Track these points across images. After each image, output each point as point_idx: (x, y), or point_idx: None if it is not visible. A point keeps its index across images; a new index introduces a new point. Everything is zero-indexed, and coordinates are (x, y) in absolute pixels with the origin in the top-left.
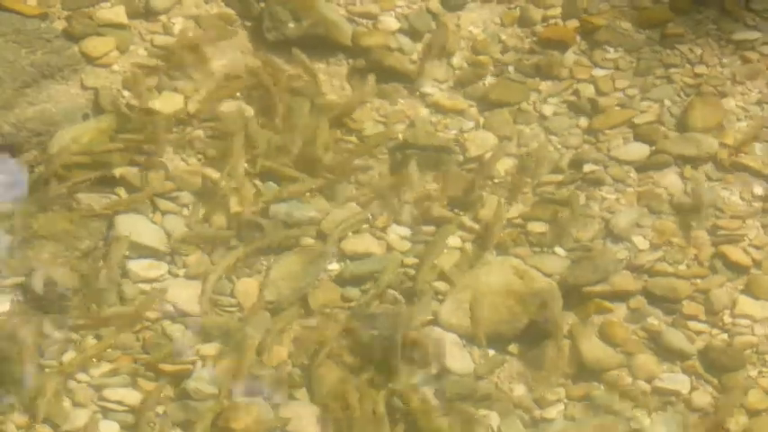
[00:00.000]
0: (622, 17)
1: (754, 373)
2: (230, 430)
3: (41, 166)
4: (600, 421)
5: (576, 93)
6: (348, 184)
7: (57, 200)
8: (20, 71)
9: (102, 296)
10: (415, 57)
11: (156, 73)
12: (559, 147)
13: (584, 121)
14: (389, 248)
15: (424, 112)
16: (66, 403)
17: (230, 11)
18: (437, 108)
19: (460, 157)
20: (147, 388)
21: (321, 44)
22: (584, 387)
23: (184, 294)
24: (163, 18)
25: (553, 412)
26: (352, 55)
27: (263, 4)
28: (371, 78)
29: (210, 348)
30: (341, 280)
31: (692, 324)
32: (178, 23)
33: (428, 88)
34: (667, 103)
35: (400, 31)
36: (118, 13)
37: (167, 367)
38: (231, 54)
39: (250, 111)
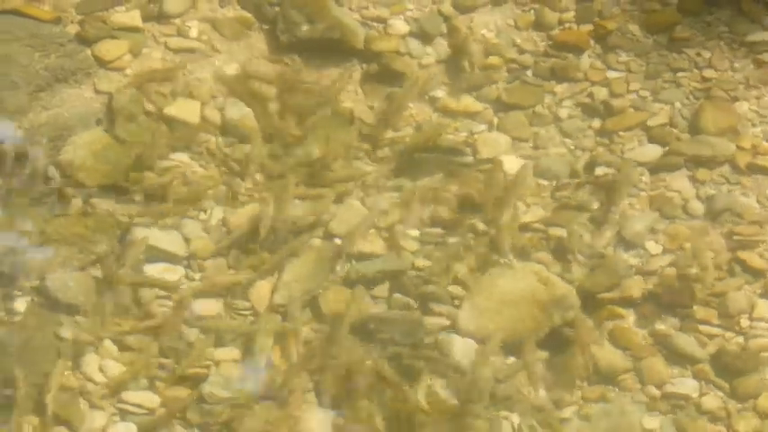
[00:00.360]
0: (632, 21)
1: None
2: None
3: (56, 171)
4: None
5: (590, 95)
6: (357, 187)
7: (72, 205)
8: (34, 75)
9: (119, 300)
10: (424, 61)
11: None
12: (573, 149)
13: (597, 123)
14: (398, 250)
15: (433, 115)
16: (84, 405)
17: (246, 14)
18: (447, 111)
19: (470, 159)
20: (165, 391)
21: (335, 48)
22: (599, 390)
23: (201, 298)
24: (177, 21)
25: (569, 413)
26: (365, 59)
27: (277, 8)
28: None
29: (224, 352)
30: (349, 281)
31: (704, 328)
32: (194, 26)
33: (438, 92)
34: (678, 106)
35: (410, 34)
36: (132, 17)
37: (184, 370)
38: (245, 57)
39: (268, 117)
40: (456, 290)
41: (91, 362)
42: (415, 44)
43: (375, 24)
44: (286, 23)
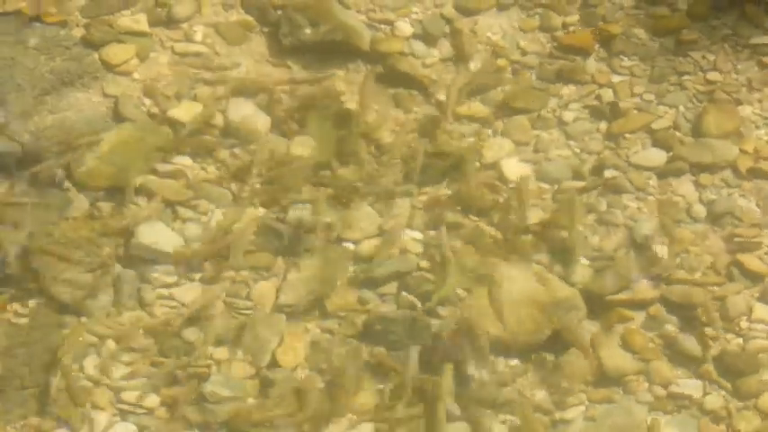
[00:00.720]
0: (638, 25)
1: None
2: None
3: (63, 174)
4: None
5: (597, 98)
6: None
7: (79, 208)
8: (39, 78)
9: (122, 301)
10: (429, 63)
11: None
12: (579, 152)
13: (604, 126)
14: (404, 252)
15: (438, 118)
16: (87, 406)
17: (248, 18)
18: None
19: (476, 164)
20: (165, 391)
21: (338, 50)
22: (605, 393)
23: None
24: (184, 26)
25: (572, 414)
26: (370, 61)
27: (280, 12)
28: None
29: (225, 351)
30: (356, 283)
31: (707, 330)
32: (199, 31)
33: (443, 96)
34: (682, 109)
35: (414, 36)
36: (138, 21)
37: (185, 370)
38: (248, 60)
39: (269, 119)
40: (460, 292)
41: (92, 362)
42: (419, 46)
43: (382, 27)
44: (289, 27)
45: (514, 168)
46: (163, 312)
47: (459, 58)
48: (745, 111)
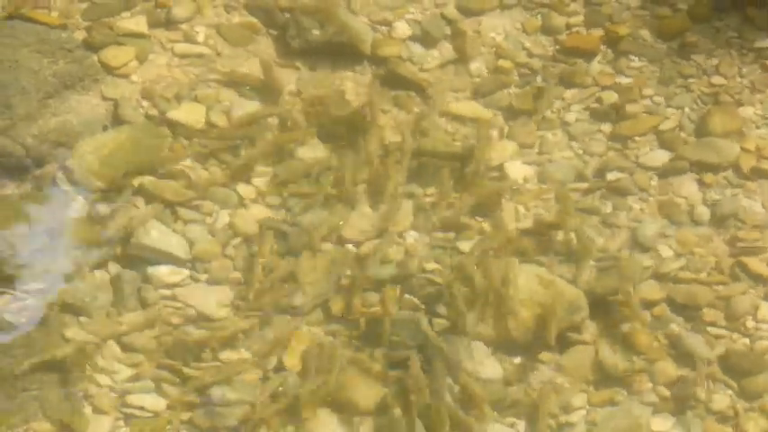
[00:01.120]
0: (644, 26)
1: None
2: None
3: (64, 176)
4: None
5: (599, 100)
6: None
7: (79, 209)
8: (43, 81)
9: (122, 302)
10: (426, 65)
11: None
12: (582, 154)
13: (608, 128)
14: (408, 254)
15: (440, 120)
16: (88, 410)
17: (253, 19)
18: (454, 117)
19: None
20: (171, 394)
21: (345, 52)
22: (608, 393)
23: (207, 300)
24: (184, 27)
25: (576, 417)
26: (374, 63)
27: (287, 15)
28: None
29: (233, 354)
30: (360, 285)
31: (712, 330)
32: (201, 32)
33: (444, 97)
34: (687, 111)
35: (412, 38)
36: (138, 23)
37: (191, 372)
38: (254, 62)
39: (273, 120)
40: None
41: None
42: (418, 48)
43: (381, 28)
44: (297, 29)
45: (519, 170)
46: (167, 313)
47: (461, 59)
48: (747, 112)
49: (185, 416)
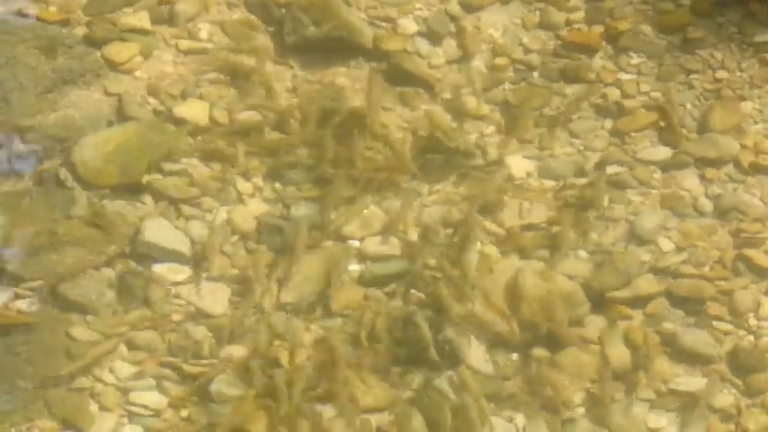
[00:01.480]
0: (645, 21)
1: None
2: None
3: (68, 173)
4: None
5: (603, 96)
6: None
7: (83, 206)
8: (41, 77)
9: (128, 299)
10: (433, 61)
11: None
12: (583, 149)
13: (609, 124)
14: (411, 250)
15: (444, 116)
16: (93, 407)
17: (251, 16)
18: (457, 113)
19: (481, 161)
20: (173, 391)
21: (341, 47)
22: (609, 390)
23: (207, 297)
24: (188, 24)
25: (577, 414)
26: (373, 58)
27: (284, 10)
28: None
29: (232, 350)
30: (363, 281)
31: (718, 325)
32: (204, 29)
33: (448, 93)
34: (689, 106)
35: (419, 34)
36: (141, 19)
37: (191, 369)
38: (251, 58)
39: (272, 117)
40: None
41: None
42: (423, 44)
43: (383, 24)
44: (293, 25)
45: (520, 165)
46: (171, 310)
47: (463, 56)
48: (747, 107)
49: (184, 413)
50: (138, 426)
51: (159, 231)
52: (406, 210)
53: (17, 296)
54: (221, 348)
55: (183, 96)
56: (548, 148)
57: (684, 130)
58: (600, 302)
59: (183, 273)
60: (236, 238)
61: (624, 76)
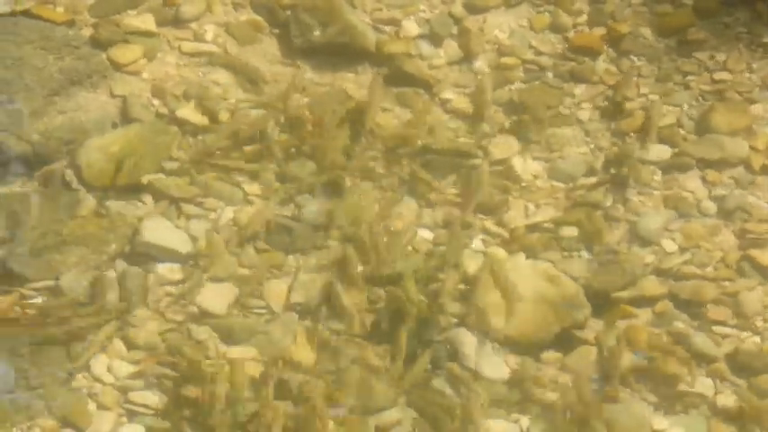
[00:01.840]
0: (645, 24)
1: None
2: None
3: (73, 173)
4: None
5: (607, 98)
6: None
7: (87, 206)
8: (48, 78)
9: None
10: (435, 63)
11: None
12: (593, 148)
13: (612, 125)
14: (413, 250)
15: (444, 117)
16: (92, 406)
17: (258, 18)
18: (458, 114)
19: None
20: (173, 390)
21: (346, 51)
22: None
23: (209, 296)
24: (193, 25)
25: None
26: (377, 62)
27: (289, 12)
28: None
29: (238, 351)
30: (366, 281)
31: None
32: (210, 30)
33: (449, 94)
34: (686, 107)
35: (421, 36)
36: (146, 21)
37: (194, 370)
38: (258, 60)
39: (277, 116)
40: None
41: (99, 362)
42: (426, 46)
43: (386, 27)
44: (299, 27)
45: (525, 166)
46: (171, 310)
47: (466, 57)
48: (758, 109)
49: (187, 413)
50: (139, 425)
51: (160, 231)
52: (410, 210)
53: (22, 297)
54: (227, 349)
55: (187, 98)
56: (556, 150)
57: (682, 131)
58: (604, 303)
59: (184, 272)
60: (241, 237)
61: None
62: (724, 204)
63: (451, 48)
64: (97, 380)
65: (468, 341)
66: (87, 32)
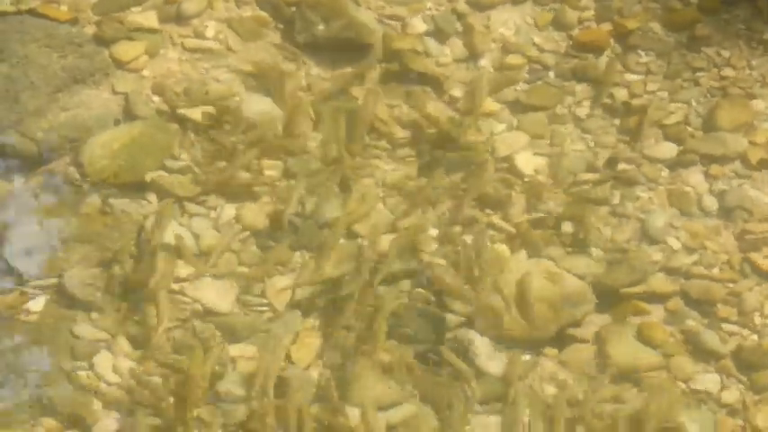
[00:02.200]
0: (654, 19)
1: None
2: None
3: (76, 171)
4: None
5: (610, 95)
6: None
7: (91, 204)
8: (52, 76)
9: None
10: (442, 60)
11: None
12: (593, 145)
13: (618, 121)
14: (418, 248)
15: (451, 114)
16: (97, 405)
17: (263, 13)
18: (464, 110)
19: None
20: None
21: (351, 47)
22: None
23: (213, 294)
24: (194, 22)
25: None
26: (383, 58)
27: (294, 8)
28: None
29: (240, 349)
30: (370, 278)
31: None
32: (211, 27)
33: (456, 91)
34: (694, 104)
35: (427, 33)
36: (148, 18)
37: (198, 369)
38: (262, 56)
39: (280, 113)
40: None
41: (104, 360)
42: (432, 43)
43: (392, 23)
44: (303, 23)
45: (529, 162)
46: (176, 308)
47: (471, 55)
48: (759, 105)
49: (193, 412)
50: (145, 423)
51: (165, 229)
52: (414, 207)
53: (25, 294)
54: (230, 347)
55: (189, 95)
56: (558, 145)
57: (690, 128)
58: (612, 299)
59: (187, 269)
60: (245, 235)
61: (632, 77)
62: (725, 200)
63: (457, 45)
64: (102, 379)
65: (471, 338)
66: (90, 30)
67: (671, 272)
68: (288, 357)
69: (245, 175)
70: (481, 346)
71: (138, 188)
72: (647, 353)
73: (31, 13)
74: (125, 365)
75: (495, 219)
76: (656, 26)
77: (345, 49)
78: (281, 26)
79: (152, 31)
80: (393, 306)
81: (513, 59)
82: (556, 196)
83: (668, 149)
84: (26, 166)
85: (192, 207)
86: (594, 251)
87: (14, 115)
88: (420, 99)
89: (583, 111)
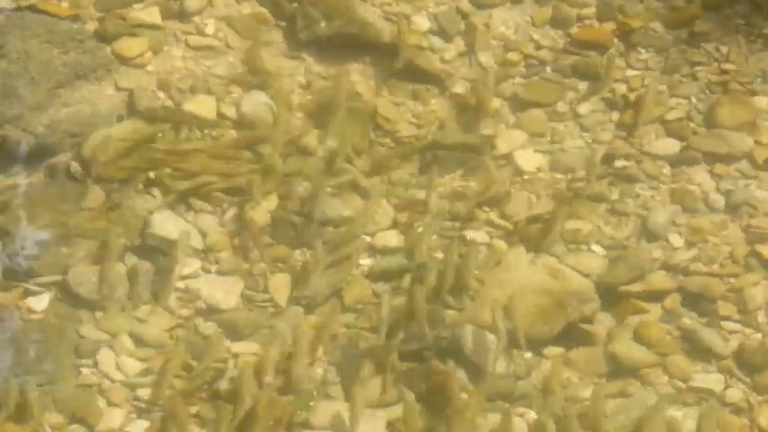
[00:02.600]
0: (656, 18)
1: None
2: None
3: (79, 166)
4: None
5: (611, 91)
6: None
7: (94, 199)
8: (53, 72)
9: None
10: (446, 57)
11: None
12: (590, 142)
13: (616, 117)
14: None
15: (454, 112)
16: (101, 403)
17: (264, 10)
18: (467, 108)
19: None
20: (181, 387)
21: (353, 43)
22: (620, 385)
23: (217, 291)
24: (196, 19)
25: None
26: (387, 55)
27: (295, 4)
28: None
29: (242, 346)
30: (373, 275)
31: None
32: (210, 24)
33: (459, 89)
34: (694, 100)
35: (431, 31)
36: (151, 14)
37: (200, 366)
38: (261, 53)
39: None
40: (471, 283)
41: (108, 358)
42: (436, 40)
43: (396, 20)
44: (305, 20)
45: (529, 159)
46: (179, 305)
47: (472, 52)
48: (761, 102)
49: (193, 409)
50: (148, 422)
51: (168, 225)
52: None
53: (28, 292)
54: (232, 344)
55: (193, 91)
56: (558, 142)
57: (692, 124)
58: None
59: (191, 267)
60: (248, 232)
61: (632, 73)
62: (731, 199)
63: (460, 43)
64: (106, 376)
65: (470, 336)
66: (92, 26)
67: (670, 269)
68: (289, 354)
69: (246, 173)
70: (478, 344)
71: (142, 183)
72: (641, 352)
73: (32, 9)
74: (129, 363)
75: (494, 216)
76: (656, 24)
77: (347, 46)
78: (283, 23)
79: (154, 27)
80: (392, 304)
81: (514, 56)
82: (555, 193)
83: (670, 146)
84: (28, 162)
85: (198, 204)
86: (596, 248)
87: (15, 110)
88: (424, 96)
89: (582, 108)
